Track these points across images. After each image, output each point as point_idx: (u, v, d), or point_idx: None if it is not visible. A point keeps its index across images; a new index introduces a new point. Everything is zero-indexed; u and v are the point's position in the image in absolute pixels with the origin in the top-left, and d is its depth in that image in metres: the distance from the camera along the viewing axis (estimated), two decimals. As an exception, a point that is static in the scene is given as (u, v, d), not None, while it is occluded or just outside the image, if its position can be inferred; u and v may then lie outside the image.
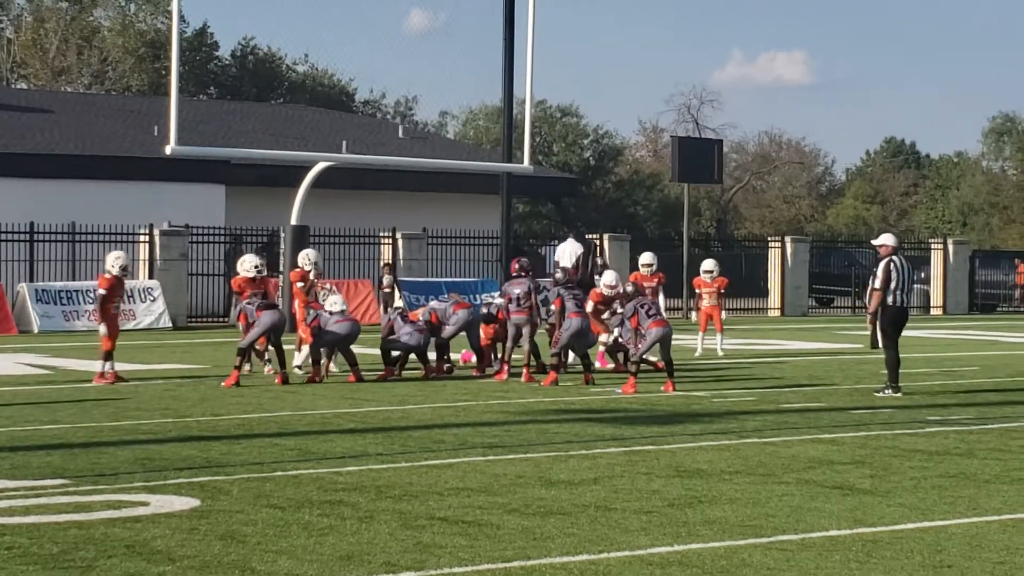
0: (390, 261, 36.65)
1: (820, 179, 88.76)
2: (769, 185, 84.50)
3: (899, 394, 18.82)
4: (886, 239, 19.61)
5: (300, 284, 21.68)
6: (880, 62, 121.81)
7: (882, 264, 19.21)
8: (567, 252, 34.91)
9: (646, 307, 19.80)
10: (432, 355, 21.39)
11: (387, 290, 33.90)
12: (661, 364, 20.12)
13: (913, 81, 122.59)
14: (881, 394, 18.96)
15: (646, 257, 25.45)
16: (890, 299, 19.14)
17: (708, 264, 26.46)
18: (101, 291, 20.24)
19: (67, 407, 16.96)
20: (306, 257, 22.01)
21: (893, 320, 19.25)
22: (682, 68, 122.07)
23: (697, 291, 26.39)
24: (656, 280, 25.04)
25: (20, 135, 41.19)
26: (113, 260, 20.48)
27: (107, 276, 20.29)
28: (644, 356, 20.07)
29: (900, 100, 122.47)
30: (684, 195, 44.22)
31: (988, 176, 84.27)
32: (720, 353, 25.42)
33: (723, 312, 26.20)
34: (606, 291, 21.71)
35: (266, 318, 19.86)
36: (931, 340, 31.08)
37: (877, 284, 19.21)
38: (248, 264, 20.94)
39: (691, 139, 54.70)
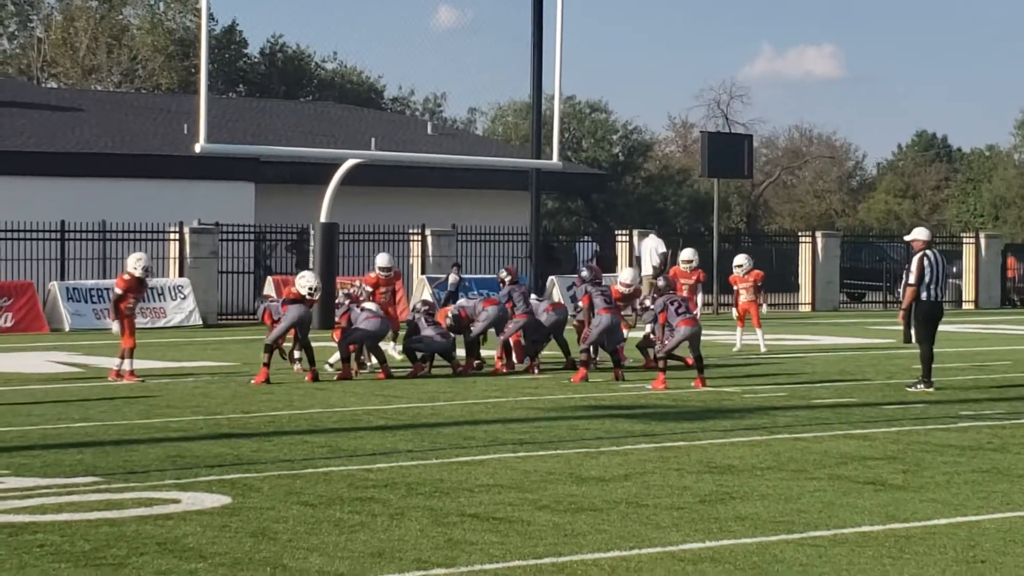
0: (458, 261, 36.50)
1: (851, 173, 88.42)
2: (799, 180, 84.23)
3: (931, 389, 18.72)
4: (919, 234, 19.50)
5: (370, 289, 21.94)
6: (910, 55, 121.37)
7: (915, 259, 19.09)
8: (648, 248, 35.88)
9: (676, 304, 19.73)
10: (461, 352, 21.40)
11: (452, 289, 33.74)
12: (691, 360, 20.07)
13: (944, 75, 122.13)
14: (913, 389, 18.87)
15: (687, 253, 25.42)
16: (924, 294, 19.03)
17: (739, 259, 26.28)
18: (118, 291, 20.26)
19: (98, 405, 17.01)
20: (384, 259, 22.68)
21: (927, 315, 19.14)
22: (711, 63, 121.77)
23: (734, 287, 26.21)
24: (695, 277, 25.02)
25: (51, 134, 41.34)
26: (135, 261, 20.46)
27: (126, 277, 20.31)
28: (673, 352, 20.00)
29: (931, 94, 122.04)
30: (714, 190, 44.11)
31: (1020, 169, 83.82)
32: (763, 349, 25.27)
33: (762, 306, 26.06)
34: (623, 289, 21.77)
35: (292, 313, 19.83)
36: (963, 335, 30.93)
37: (911, 279, 19.08)
38: (304, 283, 20.11)
39: (721, 134, 54.55)
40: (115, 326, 20.09)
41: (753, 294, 25.75)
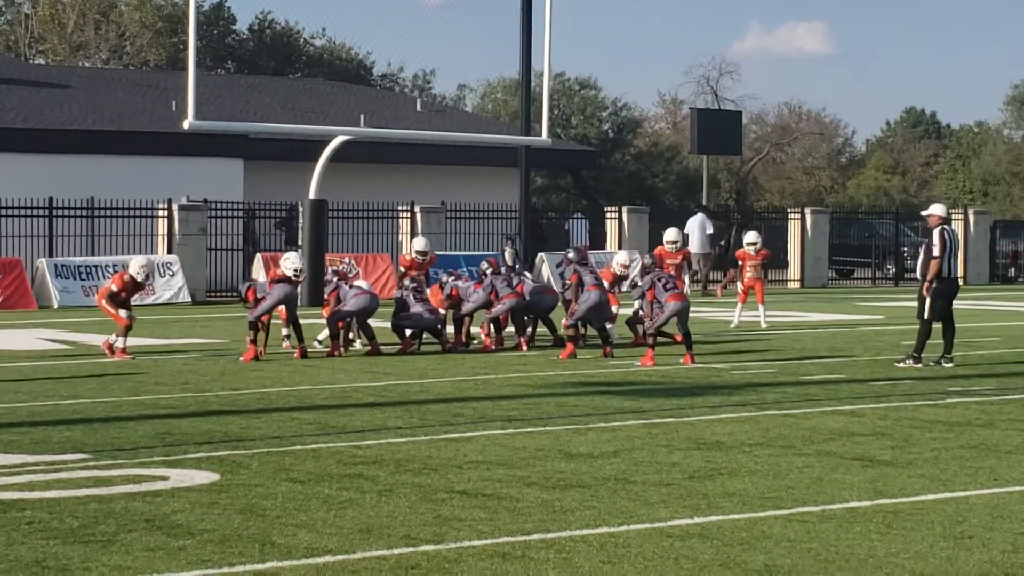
0: (511, 233, 36.32)
1: (840, 150, 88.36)
2: (789, 156, 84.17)
3: (920, 366, 18.74)
4: (935, 209, 19.39)
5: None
6: (900, 32, 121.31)
7: (936, 232, 18.93)
8: (696, 226, 37.01)
9: (663, 280, 19.75)
10: (450, 329, 21.40)
11: (511, 263, 33.74)
12: (679, 336, 20.08)
13: (933, 51, 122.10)
14: (902, 364, 18.89)
15: (671, 233, 25.54)
16: (945, 268, 18.92)
17: (751, 236, 26.27)
18: (112, 287, 20.20)
19: (87, 382, 17.00)
20: (421, 242, 22.93)
21: (944, 290, 19.03)
22: (701, 39, 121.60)
23: (740, 263, 26.18)
24: (680, 256, 25.10)
25: (38, 110, 41.21)
26: (139, 267, 20.36)
27: (125, 278, 20.22)
28: (662, 328, 20.02)
29: (920, 70, 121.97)
30: (703, 167, 44.10)
31: (1009, 145, 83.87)
32: (764, 325, 25.29)
33: (765, 284, 26.21)
34: (619, 270, 21.88)
35: (277, 291, 19.80)
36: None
37: (935, 252, 18.90)
38: (289, 264, 20.07)
39: (710, 111, 54.51)
40: (123, 313, 19.96)
41: (760, 272, 25.80)
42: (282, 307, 20.21)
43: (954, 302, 19.36)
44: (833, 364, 19.39)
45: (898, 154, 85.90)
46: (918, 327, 19.18)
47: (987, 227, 47.10)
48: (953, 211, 49.29)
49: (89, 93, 44.73)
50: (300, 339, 19.98)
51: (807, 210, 44.16)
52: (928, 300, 19.05)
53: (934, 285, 18.99)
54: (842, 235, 48.55)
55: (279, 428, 13.28)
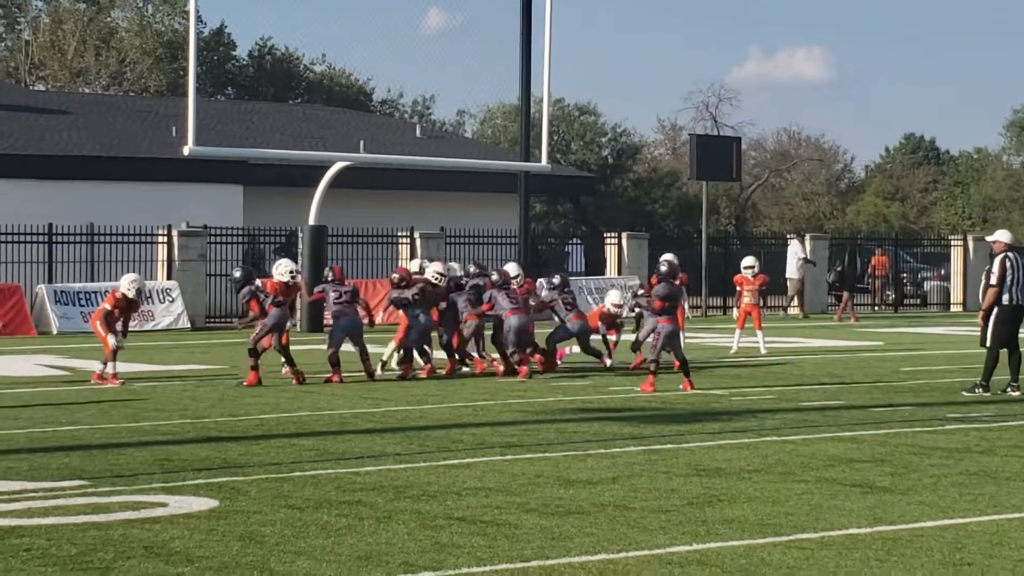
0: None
1: (839, 176, 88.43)
2: (788, 182, 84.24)
3: (988, 394, 18.54)
4: (1001, 235, 19.07)
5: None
6: (899, 58, 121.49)
7: (997, 260, 18.69)
8: (791, 253, 39.69)
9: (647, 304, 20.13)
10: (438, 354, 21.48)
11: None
12: (678, 364, 20.07)
13: (932, 78, 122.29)
14: (970, 392, 18.64)
15: (748, 260, 25.95)
16: (1005, 297, 18.65)
17: (749, 260, 26.32)
18: (106, 306, 20.22)
19: (86, 408, 16.99)
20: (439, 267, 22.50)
21: (1007, 318, 18.73)
22: (700, 65, 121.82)
23: (738, 288, 26.22)
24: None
25: (38, 136, 41.28)
26: (128, 283, 20.36)
27: (117, 295, 20.24)
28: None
29: (919, 97, 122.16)
30: (703, 193, 44.12)
31: (1009, 171, 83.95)
32: (763, 351, 25.31)
33: (763, 310, 26.26)
34: (612, 310, 22.15)
35: (271, 318, 19.92)
36: (951, 337, 30.97)
37: (992, 280, 18.68)
38: (283, 268, 20.66)
39: (709, 137, 54.56)
40: (112, 339, 19.98)
41: (757, 298, 25.79)
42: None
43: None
44: (832, 391, 19.38)
45: (897, 180, 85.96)
46: (985, 355, 18.94)
47: (986, 253, 47.06)
48: (953, 237, 49.38)
49: (89, 119, 44.80)
50: (291, 363, 20.03)
51: (807, 236, 44.20)
52: (990, 328, 18.77)
53: (994, 312, 18.72)
54: (842, 261, 48.54)
55: (278, 454, 13.26)
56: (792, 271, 40.44)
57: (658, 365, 19.58)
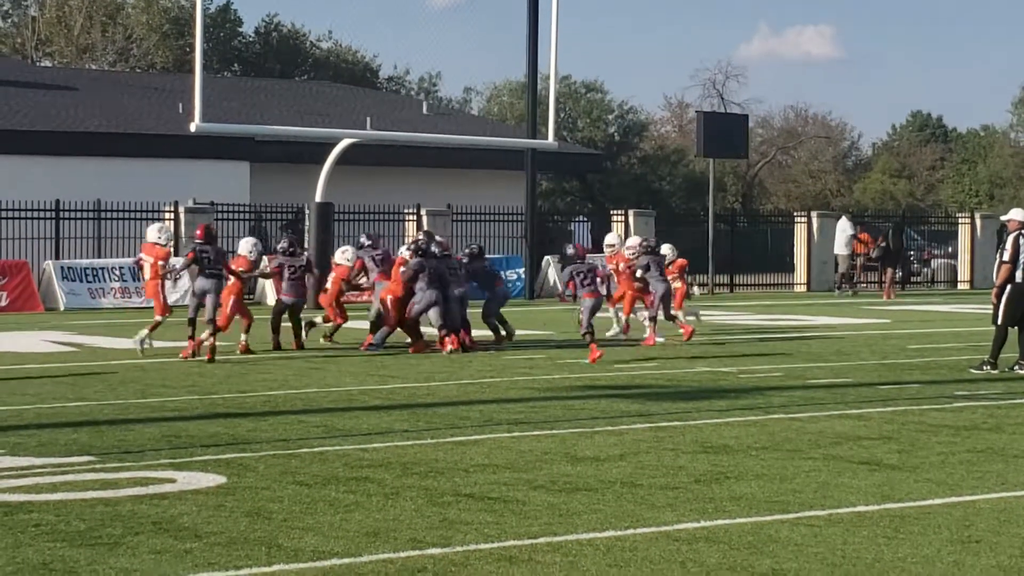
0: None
1: (846, 154, 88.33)
2: (795, 160, 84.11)
3: (995, 371, 18.52)
4: (1015, 214, 18.92)
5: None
6: (906, 36, 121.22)
7: (1011, 238, 18.64)
8: (839, 229, 40.44)
9: (581, 275, 20.54)
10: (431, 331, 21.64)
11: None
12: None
13: (939, 54, 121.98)
14: (977, 370, 18.62)
15: (609, 237, 25.70)
16: (1018, 275, 18.61)
17: (665, 249, 24.57)
18: (240, 269, 21.20)
19: (93, 384, 17.01)
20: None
21: (1016, 297, 18.65)
22: (707, 43, 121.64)
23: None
24: (614, 260, 24.36)
25: (45, 113, 41.26)
26: (250, 246, 21.80)
27: (249, 260, 21.59)
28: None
29: (926, 74, 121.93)
30: (709, 170, 44.06)
31: (1016, 148, 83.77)
32: (684, 322, 23.59)
33: (693, 288, 26.08)
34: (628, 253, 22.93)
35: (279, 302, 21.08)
36: (958, 315, 30.94)
37: (1006, 257, 18.64)
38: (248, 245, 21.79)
39: (716, 114, 54.45)
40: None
41: (679, 280, 24.84)
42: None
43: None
44: (839, 368, 19.37)
45: (904, 158, 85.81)
46: (994, 332, 18.94)
47: (994, 231, 47.04)
48: (960, 215, 49.29)
49: (96, 95, 44.77)
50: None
51: (813, 214, 44.15)
52: (1002, 305, 18.72)
53: (1007, 290, 18.68)
54: (886, 238, 48.46)
55: (286, 431, 13.28)
56: (840, 247, 40.79)
57: (591, 335, 20.18)
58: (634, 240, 23.97)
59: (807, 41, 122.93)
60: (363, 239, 22.73)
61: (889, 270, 39.84)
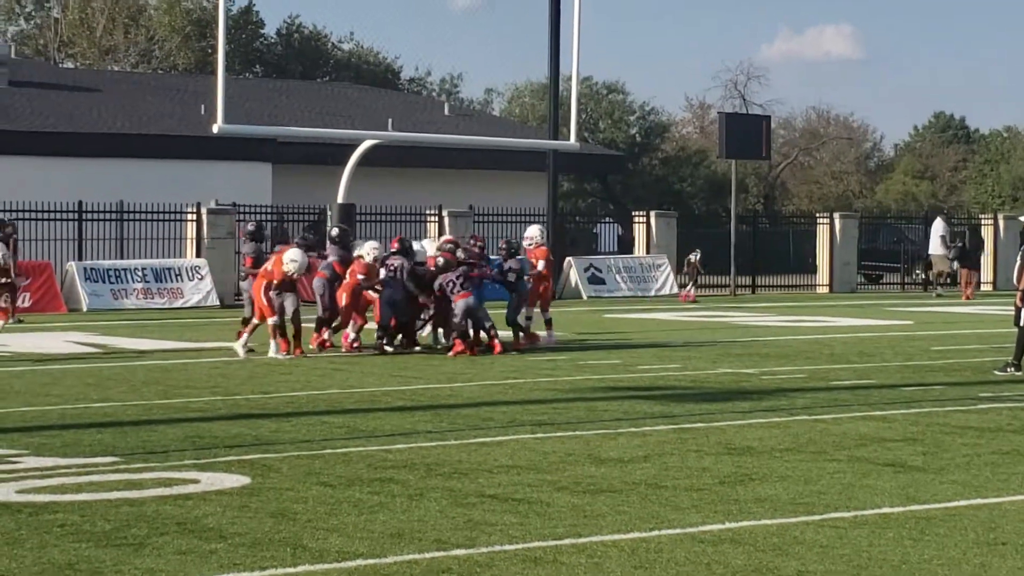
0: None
1: (868, 155, 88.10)
2: (817, 161, 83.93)
3: (1019, 373, 18.39)
4: None
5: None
6: (929, 36, 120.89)
7: None
8: (934, 231, 41.45)
9: (461, 279, 20.71)
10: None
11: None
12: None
13: (962, 55, 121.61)
14: (1002, 372, 18.52)
15: (530, 230, 23.95)
16: None
17: (531, 231, 23.92)
18: (360, 277, 21.10)
19: (117, 385, 17.04)
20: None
21: None
22: (729, 43, 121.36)
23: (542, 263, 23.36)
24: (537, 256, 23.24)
25: (68, 114, 41.40)
26: (371, 249, 21.64)
27: (366, 262, 21.34)
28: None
29: (949, 74, 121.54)
30: (731, 172, 43.99)
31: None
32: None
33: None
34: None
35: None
36: (982, 316, 30.84)
37: None
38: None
39: (738, 115, 54.31)
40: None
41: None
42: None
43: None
44: (863, 369, 19.31)
45: (927, 159, 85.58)
46: (1017, 334, 18.84)
47: (1017, 232, 46.86)
48: (983, 216, 49.13)
49: (118, 97, 44.90)
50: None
51: (836, 215, 44.07)
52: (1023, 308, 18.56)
53: None
54: (871, 240, 48.42)
55: (309, 432, 13.29)
56: (936, 248, 41.17)
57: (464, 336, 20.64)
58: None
59: (828, 41, 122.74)
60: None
61: (967, 270, 40.01)
